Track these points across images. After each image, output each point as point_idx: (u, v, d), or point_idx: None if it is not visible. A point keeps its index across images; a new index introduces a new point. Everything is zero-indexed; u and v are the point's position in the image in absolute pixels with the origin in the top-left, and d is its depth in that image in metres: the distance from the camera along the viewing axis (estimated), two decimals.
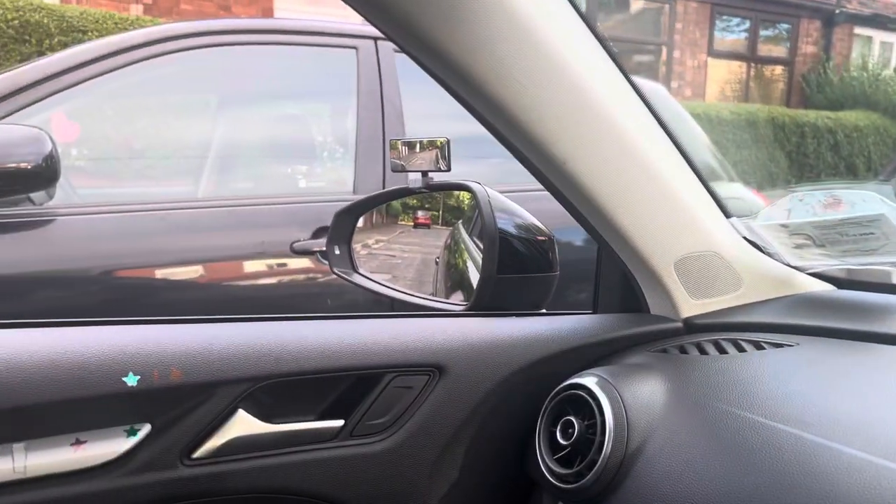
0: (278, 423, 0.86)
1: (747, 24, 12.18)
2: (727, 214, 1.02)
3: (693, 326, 1.00)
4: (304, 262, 2.11)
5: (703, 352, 0.91)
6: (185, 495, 0.83)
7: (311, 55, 2.35)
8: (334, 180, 2.42)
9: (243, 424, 0.84)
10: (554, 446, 0.87)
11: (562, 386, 0.90)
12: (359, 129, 2.29)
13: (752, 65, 12.30)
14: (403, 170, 1.14)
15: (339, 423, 0.89)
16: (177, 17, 7.65)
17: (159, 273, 1.96)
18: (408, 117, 2.35)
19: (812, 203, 0.97)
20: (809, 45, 12.53)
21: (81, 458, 0.78)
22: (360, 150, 2.27)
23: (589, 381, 0.87)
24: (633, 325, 1.01)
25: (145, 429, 0.81)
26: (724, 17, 11.94)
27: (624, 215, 0.92)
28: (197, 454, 0.83)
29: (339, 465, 0.89)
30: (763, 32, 12.39)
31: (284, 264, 2.10)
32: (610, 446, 0.80)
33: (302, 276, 2.13)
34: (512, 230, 1.02)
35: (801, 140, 9.84)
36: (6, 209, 1.85)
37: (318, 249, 2.10)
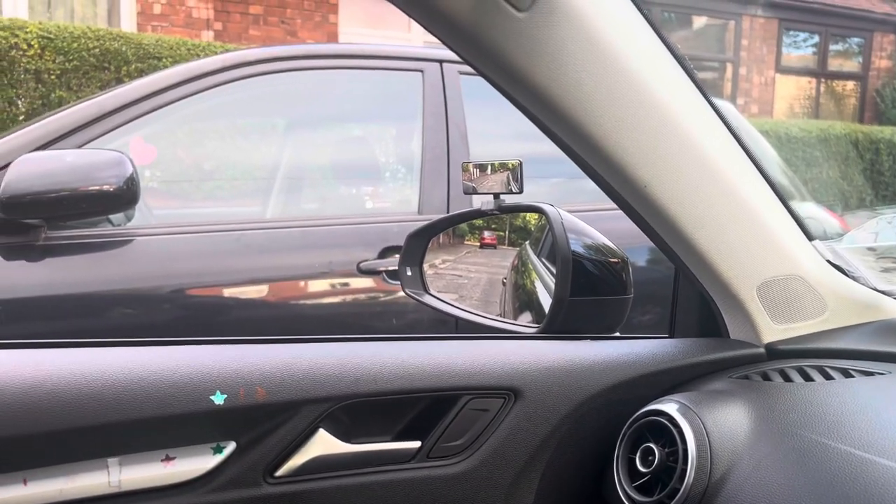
0: (357, 443, 0.88)
1: (816, 39, 11.87)
2: (810, 237, 1.00)
3: (776, 352, 0.97)
4: (370, 282, 2.14)
5: (787, 379, 0.89)
6: None
7: (378, 78, 2.39)
8: (400, 201, 2.46)
9: (324, 444, 0.86)
10: (633, 473, 0.86)
11: (641, 412, 0.89)
12: (424, 150, 2.32)
13: (823, 80, 11.97)
14: (474, 192, 1.15)
15: (416, 444, 0.90)
16: (245, 42, 7.89)
17: (233, 291, 2.01)
18: (472, 138, 2.37)
19: None
20: (883, 59, 12.12)
21: (171, 474, 0.81)
22: (425, 171, 2.30)
23: (669, 407, 0.86)
24: (712, 351, 0.99)
25: (230, 446, 0.83)
26: (792, 33, 11.66)
27: (705, 238, 0.91)
28: (279, 472, 0.85)
29: (417, 486, 0.89)
30: (833, 47, 12.05)
31: (351, 283, 2.13)
32: (692, 475, 0.79)
33: (368, 296, 2.16)
34: (585, 252, 1.02)
35: (876, 157, 9.50)
36: (88, 230, 1.93)
37: (383, 269, 2.13)
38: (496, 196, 1.14)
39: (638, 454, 0.86)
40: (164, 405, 0.79)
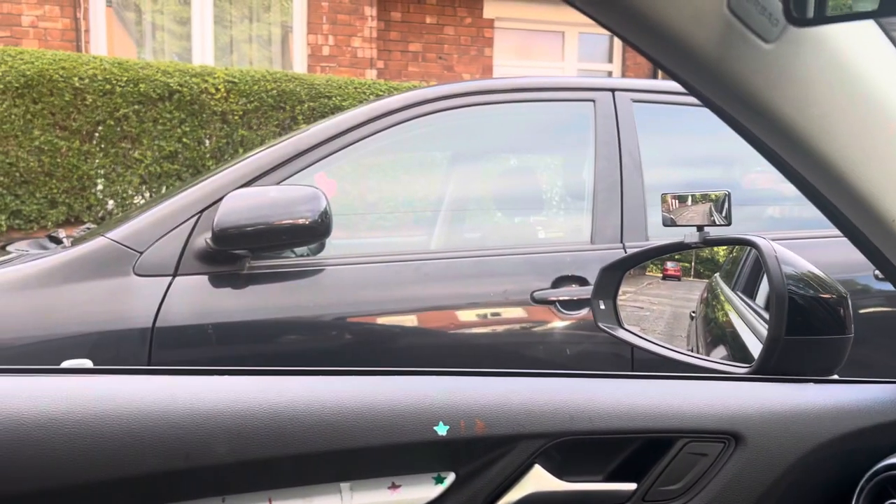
0: (571, 482, 0.87)
1: None
2: None
3: None
4: (543, 311, 2.16)
5: None
6: None
7: (551, 109, 2.43)
8: (572, 230, 2.46)
9: (539, 480, 0.85)
10: None
11: (883, 465, 0.83)
12: (596, 179, 2.32)
13: None
14: (673, 224, 1.13)
15: (632, 486, 0.88)
16: (405, 78, 8.23)
17: (413, 319, 2.10)
18: (646, 166, 2.35)
19: None
20: None
21: (397, 501, 0.83)
22: (598, 200, 2.30)
23: None
24: None
25: (451, 477, 0.84)
26: None
27: None
28: None
29: None
30: None
31: (525, 313, 2.16)
32: None
33: (541, 325, 2.18)
34: (801, 289, 0.96)
35: None
36: (285, 259, 2.09)
37: (555, 299, 2.14)
38: (700, 228, 1.10)
39: None
40: (390, 434, 0.81)
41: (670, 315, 1.38)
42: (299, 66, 7.81)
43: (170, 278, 1.92)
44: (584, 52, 9.25)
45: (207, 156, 5.78)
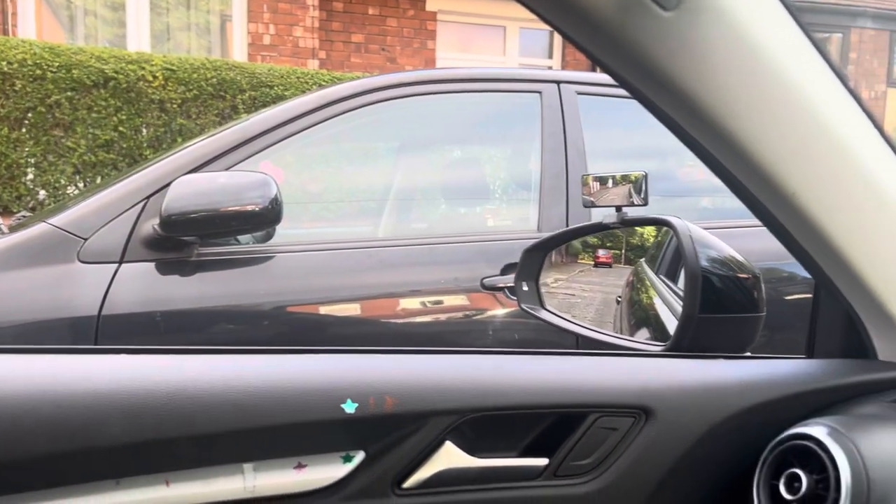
0: (483, 458, 0.86)
1: None
2: None
3: None
4: (492, 298, 2.19)
5: None
6: None
7: (499, 101, 2.47)
8: (520, 219, 2.51)
9: (451, 457, 0.84)
10: (776, 501, 0.81)
11: (785, 435, 0.84)
12: (543, 169, 2.37)
13: None
14: (593, 205, 1.13)
15: (544, 461, 0.88)
16: (347, 69, 8.17)
17: (366, 305, 2.10)
18: (590, 157, 2.40)
19: None
20: None
21: (303, 481, 0.81)
22: (545, 189, 2.34)
23: (817, 431, 0.80)
24: (860, 372, 0.93)
25: (360, 456, 0.82)
26: None
27: (856, 249, 0.85)
28: (407, 484, 0.84)
29: None
30: None
31: (475, 299, 2.19)
32: None
33: (491, 311, 2.21)
34: (715, 268, 0.98)
35: None
36: (235, 247, 2.07)
37: (504, 285, 2.18)
38: (618, 209, 1.10)
39: (782, 480, 0.81)
40: (297, 412, 0.79)
41: (601, 301, 1.40)
42: (239, 55, 7.67)
43: (116, 265, 1.88)
44: (525, 46, 9.35)
45: (145, 145, 5.64)
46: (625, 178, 1.09)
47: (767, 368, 0.95)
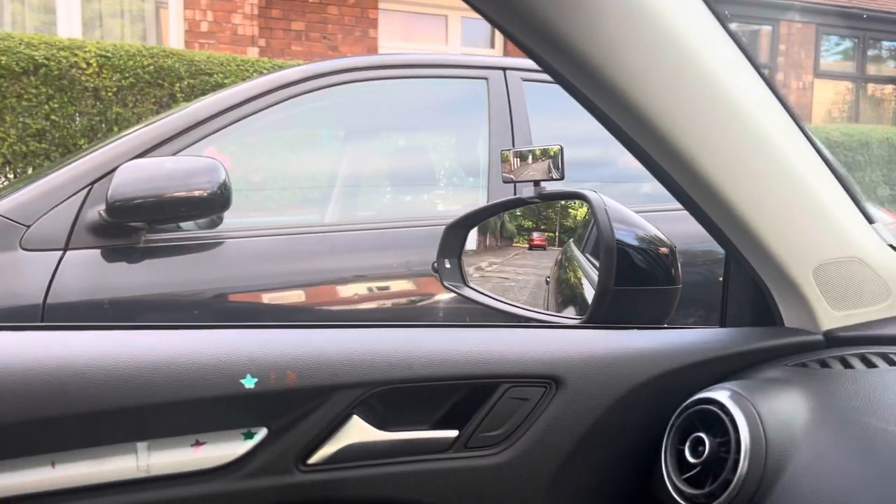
0: (392, 432, 0.85)
1: (854, 44, 11.77)
2: (870, 220, 0.95)
3: (835, 340, 0.92)
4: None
5: (847, 366, 0.84)
6: (300, 501, 0.82)
7: (447, 86, 2.49)
8: (469, 203, 2.54)
9: (357, 431, 0.83)
10: (682, 465, 0.81)
11: (691, 400, 0.85)
12: (491, 154, 2.40)
13: (862, 84, 11.86)
14: (513, 181, 1.12)
15: (454, 433, 0.87)
16: (289, 57, 8.06)
17: (318, 291, 2.10)
18: (537, 142, 2.45)
19: None
20: None
21: (201, 459, 0.79)
22: (493, 174, 2.38)
23: (721, 395, 0.81)
24: (766, 339, 0.94)
25: (262, 432, 0.80)
26: (830, 37, 11.58)
27: (757, 217, 0.86)
28: (312, 460, 0.82)
29: (454, 476, 0.86)
30: (871, 51, 11.93)
31: (427, 282, 2.21)
32: (746, 465, 0.74)
33: (442, 294, 2.24)
34: (630, 240, 0.98)
35: None
36: (182, 233, 2.04)
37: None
38: (536, 184, 1.10)
39: (687, 445, 0.81)
40: (193, 388, 0.77)
41: (535, 284, 1.39)
42: (175, 42, 7.49)
43: (60, 252, 1.84)
44: (466, 36, 9.38)
45: (79, 134, 5.47)
46: (545, 153, 1.08)
47: (677, 337, 0.95)
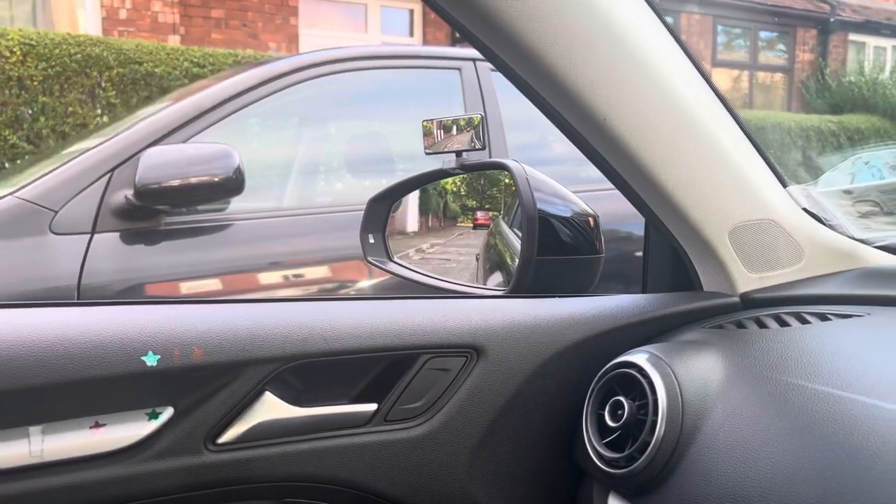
0: (308, 407, 0.83)
1: (748, 34, 12.61)
2: (784, 183, 0.97)
3: (751, 301, 0.94)
4: None
5: (762, 326, 0.86)
6: (210, 482, 0.79)
7: (424, 76, 2.68)
8: None
9: (271, 408, 0.81)
10: (603, 430, 0.82)
11: (610, 365, 0.85)
12: None
13: (754, 73, 12.72)
14: (434, 152, 1.12)
15: (373, 407, 0.85)
16: (209, 45, 7.97)
17: (327, 269, 2.27)
18: (507, 127, 2.67)
19: (878, 165, 0.93)
20: (806, 52, 12.95)
21: (101, 442, 0.75)
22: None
23: (639, 358, 0.82)
24: (685, 302, 0.95)
25: (168, 412, 0.77)
26: (726, 28, 12.37)
27: (671, 179, 0.87)
28: (222, 439, 0.79)
29: (373, 451, 0.85)
30: (762, 42, 12.81)
31: None
32: (663, 426, 0.75)
33: None
34: (552, 210, 0.97)
35: (807, 143, 10.22)
36: (196, 216, 2.16)
37: None
38: (458, 155, 1.09)
39: (607, 409, 0.81)
40: (90, 367, 0.73)
41: (466, 260, 1.37)
42: (93, 29, 7.29)
43: (88, 236, 1.93)
44: (386, 25, 9.51)
45: (3, 125, 5.32)
46: (469, 123, 1.07)
47: (599, 304, 0.95)
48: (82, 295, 1.86)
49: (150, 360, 0.75)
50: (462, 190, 1.31)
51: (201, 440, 0.78)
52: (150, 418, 0.76)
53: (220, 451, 0.79)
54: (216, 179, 2.01)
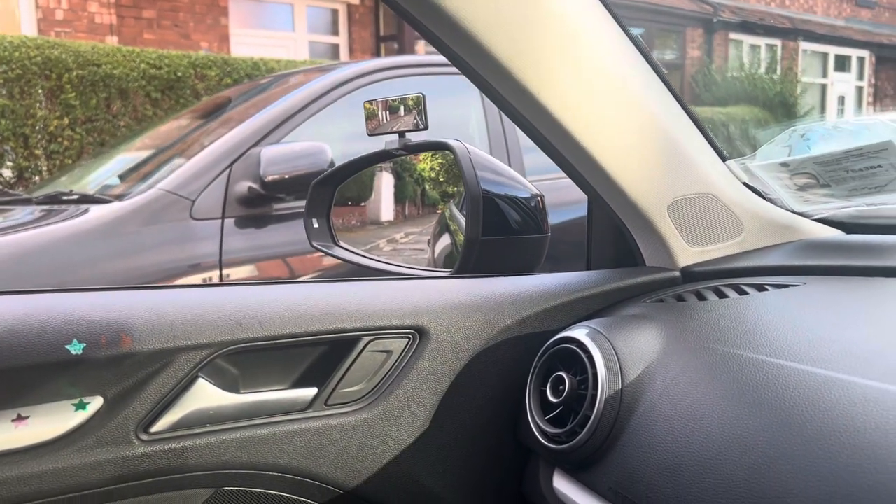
0: (244, 394, 0.81)
1: (642, 32, 13.60)
2: (723, 157, 0.98)
3: (691, 275, 0.95)
4: None
5: (701, 298, 0.86)
6: (143, 473, 0.76)
7: (452, 79, 3.12)
8: None
9: (205, 395, 0.78)
10: (546, 406, 0.82)
11: (551, 341, 0.85)
12: (489, 129, 3.07)
13: None
14: (376, 133, 1.11)
15: (312, 391, 0.83)
16: (141, 45, 8.02)
17: None
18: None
19: (814, 138, 0.91)
20: (695, 49, 14.13)
21: (24, 436, 0.72)
22: (492, 145, 3.05)
23: (579, 333, 0.82)
24: (627, 278, 0.96)
25: (96, 402, 0.74)
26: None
27: (609, 156, 0.87)
28: (154, 428, 0.77)
29: (313, 436, 0.83)
30: (657, 39, 13.87)
31: None
32: (603, 400, 0.75)
33: None
34: (497, 190, 0.97)
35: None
36: (292, 203, 2.53)
37: None
38: (401, 135, 1.08)
39: (549, 385, 0.82)
40: (8, 356, 0.70)
41: (417, 246, 1.40)
42: (28, 30, 7.22)
43: (220, 220, 2.29)
44: (312, 24, 9.78)
45: None
46: (417, 103, 1.06)
47: (541, 282, 0.95)
48: (224, 271, 2.22)
49: (75, 349, 0.72)
50: (441, 176, 1.29)
51: (132, 430, 0.76)
52: (77, 409, 0.74)
53: (153, 441, 0.77)
54: (319, 171, 2.39)
